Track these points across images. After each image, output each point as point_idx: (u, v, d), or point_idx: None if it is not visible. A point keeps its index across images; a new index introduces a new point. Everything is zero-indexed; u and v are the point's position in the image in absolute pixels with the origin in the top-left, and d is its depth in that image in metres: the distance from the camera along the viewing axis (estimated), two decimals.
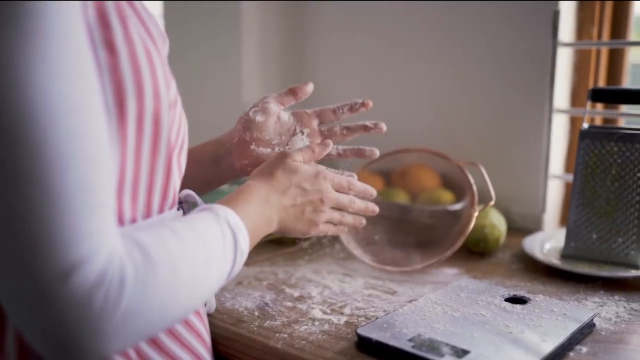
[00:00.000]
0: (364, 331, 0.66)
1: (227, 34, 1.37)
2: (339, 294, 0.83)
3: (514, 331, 0.66)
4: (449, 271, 0.93)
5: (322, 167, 0.73)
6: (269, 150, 0.78)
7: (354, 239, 0.98)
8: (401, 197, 1.11)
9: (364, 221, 0.80)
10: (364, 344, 0.66)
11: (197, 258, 0.51)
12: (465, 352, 0.61)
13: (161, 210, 0.57)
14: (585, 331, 0.70)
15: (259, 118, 0.78)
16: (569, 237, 0.95)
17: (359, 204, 0.76)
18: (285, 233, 0.70)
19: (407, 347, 0.62)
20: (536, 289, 0.85)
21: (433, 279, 0.90)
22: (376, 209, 0.79)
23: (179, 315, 0.52)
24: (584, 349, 0.66)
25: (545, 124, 1.11)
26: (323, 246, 1.04)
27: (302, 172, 0.70)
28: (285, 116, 0.81)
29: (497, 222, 1.01)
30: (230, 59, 1.38)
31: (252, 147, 0.78)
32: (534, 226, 1.14)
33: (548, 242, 1.02)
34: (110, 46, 0.49)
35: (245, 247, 0.59)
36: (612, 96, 0.95)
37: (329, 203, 0.71)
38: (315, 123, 0.83)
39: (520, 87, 1.14)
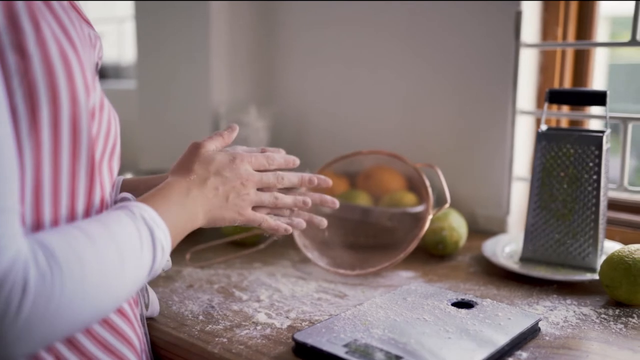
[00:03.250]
0: (300, 336, 0.65)
1: (196, 34, 1.36)
2: (288, 297, 0.82)
3: (453, 336, 0.66)
4: (405, 274, 0.92)
5: (237, 151, 0.72)
6: None
7: (311, 242, 0.97)
8: (363, 199, 1.10)
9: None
10: (300, 349, 0.65)
11: (109, 258, 0.50)
12: (398, 358, 0.60)
13: (87, 215, 0.57)
14: (528, 336, 0.69)
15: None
16: (527, 240, 0.94)
17: (290, 177, 0.74)
18: (214, 223, 0.69)
19: (341, 352, 0.62)
20: (489, 293, 0.84)
21: (386, 282, 0.89)
22: (315, 178, 0.76)
23: (93, 317, 0.51)
24: (524, 354, 0.65)
25: (509, 125, 1.10)
26: (281, 247, 1.03)
27: (219, 160, 0.69)
28: None
29: (457, 225, 1.00)
30: (199, 60, 1.37)
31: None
32: (498, 229, 1.13)
33: (509, 245, 1.01)
34: (20, 50, 0.48)
35: (165, 242, 0.57)
36: (569, 98, 0.94)
37: (251, 184, 0.70)
38: None
39: (484, 88, 1.13)
